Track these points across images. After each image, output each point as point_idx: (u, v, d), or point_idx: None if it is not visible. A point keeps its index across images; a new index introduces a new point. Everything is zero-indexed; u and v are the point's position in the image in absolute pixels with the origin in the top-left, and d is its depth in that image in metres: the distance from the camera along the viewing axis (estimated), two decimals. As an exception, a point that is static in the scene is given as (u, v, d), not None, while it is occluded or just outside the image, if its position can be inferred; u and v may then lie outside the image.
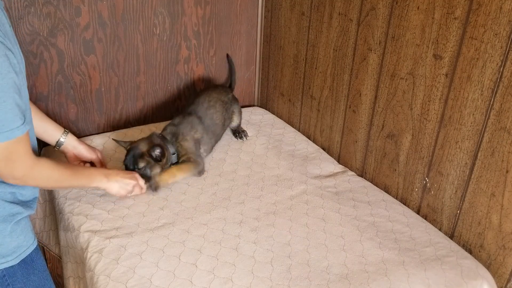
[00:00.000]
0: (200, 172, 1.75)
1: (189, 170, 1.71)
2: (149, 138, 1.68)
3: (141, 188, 1.57)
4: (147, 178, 1.61)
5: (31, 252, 1.23)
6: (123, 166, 1.64)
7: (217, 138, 1.94)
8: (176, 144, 1.73)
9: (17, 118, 1.06)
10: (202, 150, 1.81)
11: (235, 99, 2.08)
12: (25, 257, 1.21)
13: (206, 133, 1.83)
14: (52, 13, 1.76)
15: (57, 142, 1.55)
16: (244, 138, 2.01)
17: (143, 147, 1.63)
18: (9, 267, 1.18)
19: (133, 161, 1.61)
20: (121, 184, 1.49)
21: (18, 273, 1.20)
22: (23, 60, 1.15)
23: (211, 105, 1.91)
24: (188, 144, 1.75)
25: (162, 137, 1.72)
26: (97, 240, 1.39)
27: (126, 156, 1.64)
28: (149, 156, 1.61)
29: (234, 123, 2.04)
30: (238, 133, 2.03)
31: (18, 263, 1.19)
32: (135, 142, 1.67)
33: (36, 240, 1.27)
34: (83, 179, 1.40)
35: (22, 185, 1.19)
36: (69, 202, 1.56)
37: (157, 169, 1.64)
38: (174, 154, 1.71)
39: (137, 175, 1.56)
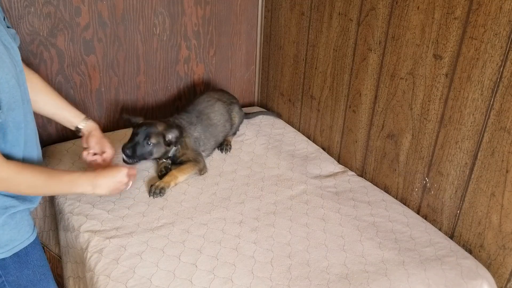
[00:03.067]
0: (201, 170, 1.75)
1: (190, 170, 1.71)
2: (166, 121, 1.70)
3: (131, 178, 1.46)
4: (147, 155, 1.63)
5: (26, 246, 1.22)
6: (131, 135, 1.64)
7: (216, 139, 1.91)
8: (180, 139, 1.73)
9: None
10: (202, 149, 1.82)
11: (236, 104, 2.06)
12: (18, 251, 1.20)
13: (204, 133, 1.83)
14: (52, 13, 1.76)
15: (76, 127, 1.52)
16: (225, 152, 1.92)
17: (159, 126, 1.65)
18: (1, 259, 1.17)
19: (145, 134, 1.62)
20: (110, 185, 1.37)
21: (10, 266, 1.19)
22: (10, 49, 1.13)
23: (210, 104, 1.91)
24: (189, 141, 1.76)
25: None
26: (97, 240, 1.39)
27: (137, 129, 1.64)
28: (163, 136, 1.65)
29: (235, 125, 2.01)
30: (222, 144, 1.95)
31: (10, 256, 1.18)
32: (149, 120, 1.68)
33: (34, 234, 1.26)
34: (63, 185, 1.27)
35: None
36: (69, 202, 1.56)
37: (161, 151, 1.66)
38: (174, 148, 1.72)
39: (124, 169, 1.41)
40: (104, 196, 1.45)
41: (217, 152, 1.93)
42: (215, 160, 1.88)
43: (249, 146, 1.99)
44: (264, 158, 1.90)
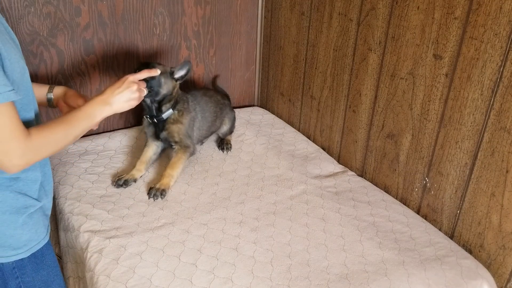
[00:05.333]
0: (191, 154, 1.77)
1: (182, 161, 1.71)
2: None
3: (140, 85, 1.36)
4: (155, 85, 1.60)
5: (42, 247, 1.22)
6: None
7: (207, 130, 1.91)
8: (178, 106, 1.73)
9: None
10: (195, 133, 1.81)
11: (230, 107, 2.06)
12: (35, 251, 1.20)
13: (201, 114, 1.83)
14: (52, 13, 1.76)
15: (49, 101, 1.41)
16: (226, 152, 1.94)
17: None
18: (19, 260, 1.17)
19: (151, 65, 1.59)
20: (123, 96, 1.29)
21: (27, 267, 1.19)
22: (9, 33, 1.12)
23: (209, 95, 1.92)
24: (187, 115, 1.75)
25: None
26: (97, 240, 1.39)
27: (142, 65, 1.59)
28: (171, 71, 1.67)
29: (223, 130, 1.99)
30: (222, 144, 1.96)
31: (28, 257, 1.18)
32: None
33: (48, 234, 1.25)
34: (82, 122, 1.20)
35: (28, 166, 1.09)
36: (69, 202, 1.56)
37: (168, 84, 1.65)
38: (170, 110, 1.70)
39: (129, 76, 1.33)
40: (126, 109, 1.33)
41: (217, 152, 1.93)
42: (215, 160, 1.88)
43: (249, 146, 1.99)
44: (264, 158, 1.90)
